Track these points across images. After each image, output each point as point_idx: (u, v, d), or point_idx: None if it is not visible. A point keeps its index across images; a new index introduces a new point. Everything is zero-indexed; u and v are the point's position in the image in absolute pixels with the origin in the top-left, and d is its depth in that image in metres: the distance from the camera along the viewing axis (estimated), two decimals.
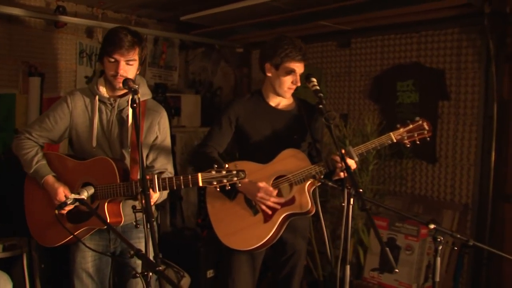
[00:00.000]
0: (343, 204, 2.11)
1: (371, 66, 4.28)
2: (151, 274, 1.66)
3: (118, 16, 4.95)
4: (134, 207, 1.98)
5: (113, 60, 2.31)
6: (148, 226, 1.88)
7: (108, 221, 2.29)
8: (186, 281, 3.99)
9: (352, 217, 3.48)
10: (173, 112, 5.24)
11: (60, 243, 2.42)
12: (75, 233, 2.35)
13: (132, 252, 1.70)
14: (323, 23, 4.08)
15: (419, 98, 3.91)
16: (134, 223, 2.03)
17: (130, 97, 2.14)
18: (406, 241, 3.59)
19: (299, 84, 2.62)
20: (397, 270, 1.81)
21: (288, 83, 2.60)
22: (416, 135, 2.50)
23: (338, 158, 2.38)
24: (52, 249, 2.51)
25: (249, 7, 3.91)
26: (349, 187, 2.14)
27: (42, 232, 2.49)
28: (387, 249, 1.82)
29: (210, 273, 4.13)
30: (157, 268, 1.60)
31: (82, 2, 4.60)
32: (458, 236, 2.31)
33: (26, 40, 4.36)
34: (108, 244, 2.52)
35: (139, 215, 2.43)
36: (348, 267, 2.15)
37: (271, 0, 3.72)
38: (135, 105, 2.12)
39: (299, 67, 2.59)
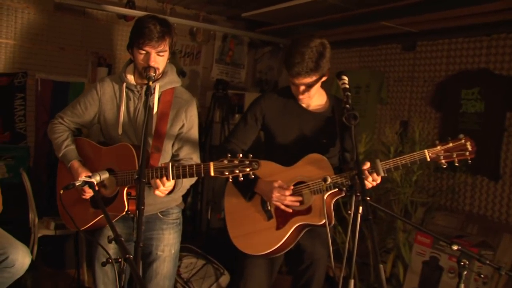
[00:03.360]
0: (349, 212, 1.94)
1: (435, 71, 3.99)
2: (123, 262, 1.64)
3: (188, 12, 5.07)
4: (129, 194, 1.97)
5: (144, 52, 2.29)
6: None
7: (126, 208, 2.31)
8: (225, 278, 3.98)
9: (394, 228, 3.30)
10: (237, 110, 5.26)
11: (83, 228, 2.46)
12: (98, 218, 2.40)
13: (110, 237, 1.68)
14: (386, 24, 3.86)
15: (484, 108, 3.56)
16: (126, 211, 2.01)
17: (158, 84, 2.13)
18: (450, 262, 3.26)
19: (302, 97, 2.45)
20: None
21: (294, 91, 2.47)
22: (455, 156, 2.20)
23: (365, 172, 2.20)
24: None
25: (306, 4, 3.81)
26: (358, 194, 1.96)
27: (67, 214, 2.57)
28: (381, 265, 1.63)
29: None
30: (127, 256, 1.57)
31: None
32: (488, 262, 2.04)
33: (97, 32, 4.62)
34: (132, 232, 2.54)
35: (167, 204, 2.49)
36: (352, 281, 1.97)
37: None
38: (148, 92, 2.13)
39: (300, 82, 2.37)
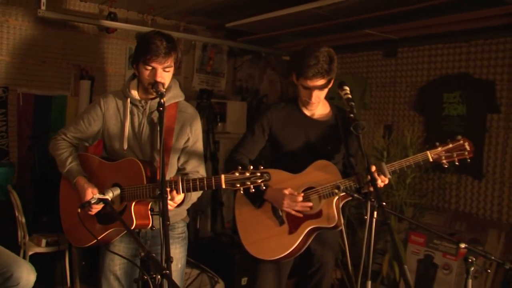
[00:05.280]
0: (366, 217, 2.03)
1: (417, 76, 4.15)
2: (159, 277, 1.66)
3: (168, 23, 5.08)
4: (152, 210, 1.98)
5: (150, 68, 2.30)
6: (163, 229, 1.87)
7: (135, 223, 2.30)
8: (219, 287, 4.00)
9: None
10: (219, 118, 5.30)
11: (89, 244, 2.44)
12: (104, 234, 2.38)
13: (142, 254, 1.70)
14: (368, 32, 4.00)
15: (466, 111, 3.74)
16: (151, 226, 2.03)
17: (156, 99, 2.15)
18: (444, 259, 3.41)
19: (314, 102, 2.51)
20: None
21: (305, 97, 2.53)
22: (455, 156, 2.34)
23: (374, 175, 2.29)
24: (92, 248, 2.52)
25: (292, 15, 3.89)
26: (373, 200, 2.05)
27: (73, 231, 2.53)
28: (406, 266, 1.73)
29: (244, 281, 4.12)
30: (164, 272, 1.60)
31: (133, 9, 4.76)
32: (493, 258, 2.15)
33: (79, 45, 4.57)
34: (137, 248, 2.54)
35: (173, 218, 2.49)
36: (369, 283, 2.06)
37: (313, 8, 3.68)
38: (161, 108, 2.14)
39: (314, 84, 2.45)
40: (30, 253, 3.66)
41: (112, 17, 4.48)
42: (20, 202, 3.70)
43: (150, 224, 2.37)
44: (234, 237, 4.54)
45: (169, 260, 1.78)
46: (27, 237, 3.70)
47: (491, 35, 3.63)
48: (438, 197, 3.90)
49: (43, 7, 3.93)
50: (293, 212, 2.47)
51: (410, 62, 4.20)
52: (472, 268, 2.13)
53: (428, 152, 2.34)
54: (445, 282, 3.37)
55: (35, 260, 3.67)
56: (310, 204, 2.47)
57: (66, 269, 3.94)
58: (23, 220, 3.71)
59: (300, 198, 2.45)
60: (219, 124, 5.32)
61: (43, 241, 3.74)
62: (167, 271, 1.61)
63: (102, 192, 2.24)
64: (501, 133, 3.58)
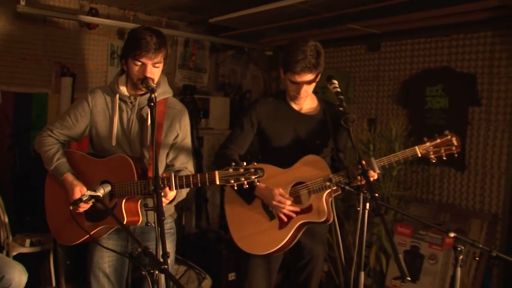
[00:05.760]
0: (358, 209, 2.06)
1: (400, 70, 4.20)
2: (157, 272, 1.66)
3: (150, 18, 5.03)
4: (146, 205, 1.98)
5: (139, 63, 2.29)
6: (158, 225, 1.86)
7: (125, 220, 2.29)
8: (207, 283, 4.00)
9: (374, 223, 3.46)
10: (201, 114, 5.28)
11: (77, 242, 2.43)
12: (93, 232, 2.36)
13: (139, 250, 1.69)
14: (351, 26, 4.03)
15: (448, 104, 3.81)
16: (145, 222, 2.02)
17: (145, 95, 2.14)
18: (430, 250, 3.48)
19: (302, 96, 2.53)
20: (409, 278, 1.74)
21: (293, 92, 2.54)
22: (443, 151, 2.37)
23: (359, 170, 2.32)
24: (78, 246, 2.51)
25: (277, 10, 3.89)
26: (365, 191, 2.08)
27: (60, 229, 2.50)
28: (400, 255, 1.76)
29: (231, 276, 4.13)
30: (162, 267, 1.59)
31: (114, 4, 4.70)
32: (480, 246, 2.20)
33: (60, 41, 4.50)
34: (126, 244, 2.52)
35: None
36: (362, 273, 2.09)
37: (299, 2, 3.69)
38: (152, 104, 2.13)
39: (302, 79, 2.46)
40: (14, 253, 3.59)
41: (93, 12, 4.42)
42: (2, 202, 3.63)
43: (140, 221, 2.37)
44: (220, 233, 4.54)
45: (165, 255, 1.78)
46: (10, 238, 3.63)
47: (471, 29, 3.70)
48: (422, 189, 3.96)
49: (22, 3, 3.85)
50: (280, 214, 2.49)
51: (393, 56, 4.25)
52: (461, 257, 2.18)
53: (416, 147, 2.38)
54: (431, 272, 3.44)
55: (18, 260, 3.60)
56: (298, 209, 2.49)
57: (51, 269, 3.88)
58: (6, 220, 3.64)
59: (289, 203, 2.47)
60: (202, 120, 5.29)
61: (27, 241, 3.67)
62: (166, 266, 1.60)
63: (93, 189, 2.22)
64: (482, 125, 3.66)
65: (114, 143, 2.43)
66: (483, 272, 3.47)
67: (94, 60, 4.73)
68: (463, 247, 2.16)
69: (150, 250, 1.70)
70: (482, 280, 3.47)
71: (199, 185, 2.17)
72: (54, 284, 3.90)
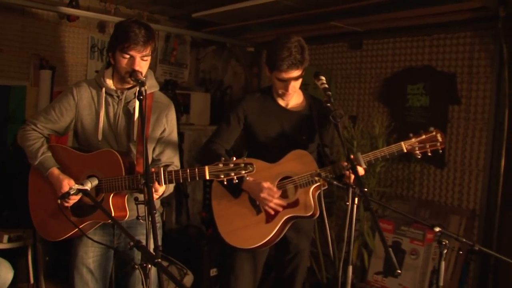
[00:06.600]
0: (347, 203, 2.08)
1: (381, 68, 4.26)
2: (150, 266, 1.65)
3: (131, 12, 4.97)
4: (136, 199, 1.96)
5: (128, 56, 2.26)
6: (150, 219, 1.85)
7: (113, 214, 2.27)
8: (188, 278, 3.99)
9: (357, 219, 3.49)
10: (182, 110, 5.24)
11: (64, 237, 2.39)
12: (80, 227, 2.33)
13: (131, 244, 1.68)
14: (334, 24, 4.06)
15: (429, 102, 3.88)
16: (136, 216, 2.00)
17: (137, 89, 2.12)
18: (412, 245, 3.56)
19: (289, 92, 2.54)
20: (399, 271, 1.77)
21: (281, 89, 2.55)
22: (428, 147, 2.41)
23: (345, 164, 2.34)
24: (57, 242, 2.47)
25: (260, 5, 3.90)
26: (354, 186, 2.10)
27: (45, 225, 2.45)
28: (390, 249, 1.79)
29: (213, 272, 4.13)
30: (155, 260, 1.59)
31: None
32: (464, 240, 2.26)
33: (38, 33, 4.40)
34: (112, 239, 2.49)
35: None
36: (350, 268, 2.12)
37: None
38: (141, 97, 2.11)
39: (289, 76, 2.48)
40: None
41: (74, 4, 4.33)
42: None
43: (127, 215, 2.35)
44: (201, 229, 4.53)
45: (157, 248, 1.77)
46: None
47: (452, 29, 3.77)
48: (403, 185, 4.03)
49: None
50: (266, 208, 2.49)
51: (375, 54, 4.30)
52: (446, 251, 2.23)
53: (402, 143, 2.42)
54: (412, 267, 3.51)
55: None
56: (285, 203, 2.51)
57: (29, 266, 3.80)
58: None
59: (278, 194, 2.48)
60: (183, 115, 5.26)
61: (5, 237, 3.58)
62: (159, 259, 1.60)
63: (80, 183, 2.19)
64: (461, 123, 3.74)
65: (100, 137, 2.41)
66: (461, 267, 3.55)
67: (74, 53, 4.65)
68: (447, 242, 2.22)
69: (143, 244, 1.69)
70: (460, 274, 3.56)
71: (189, 180, 2.17)
72: (32, 281, 3.82)
